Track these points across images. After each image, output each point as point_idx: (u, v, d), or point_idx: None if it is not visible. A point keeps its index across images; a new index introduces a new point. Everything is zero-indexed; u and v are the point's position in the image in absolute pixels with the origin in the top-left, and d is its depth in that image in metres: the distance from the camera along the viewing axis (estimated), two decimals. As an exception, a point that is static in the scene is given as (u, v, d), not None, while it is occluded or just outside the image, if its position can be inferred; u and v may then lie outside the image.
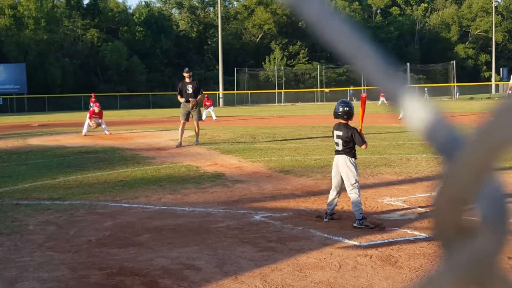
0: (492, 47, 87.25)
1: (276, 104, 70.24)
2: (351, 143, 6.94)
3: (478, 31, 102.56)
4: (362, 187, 7.28)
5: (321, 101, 73.32)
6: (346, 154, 6.94)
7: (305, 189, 9.34)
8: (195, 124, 16.73)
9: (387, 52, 0.54)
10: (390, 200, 8.26)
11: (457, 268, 0.50)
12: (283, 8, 77.69)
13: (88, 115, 22.34)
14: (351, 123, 7.10)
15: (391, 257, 5.54)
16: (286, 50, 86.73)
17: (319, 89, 76.24)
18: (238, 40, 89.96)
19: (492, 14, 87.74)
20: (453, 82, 74.74)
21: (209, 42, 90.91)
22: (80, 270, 5.30)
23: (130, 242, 6.29)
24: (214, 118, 31.27)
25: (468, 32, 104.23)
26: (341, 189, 7.04)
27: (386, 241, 6.13)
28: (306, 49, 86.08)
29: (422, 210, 7.58)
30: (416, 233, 6.42)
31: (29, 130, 26.86)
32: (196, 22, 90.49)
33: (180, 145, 16.34)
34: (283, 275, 5.06)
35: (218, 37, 72.40)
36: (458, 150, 0.48)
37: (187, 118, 16.61)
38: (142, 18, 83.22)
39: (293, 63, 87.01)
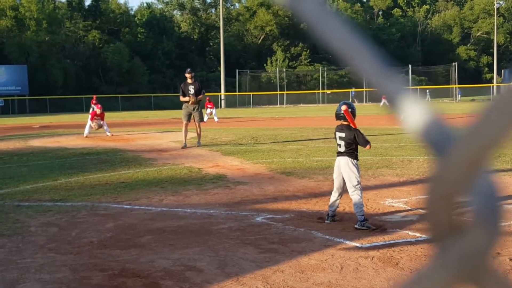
0: (493, 49, 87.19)
1: (278, 105, 70.26)
2: (354, 145, 6.94)
3: (479, 32, 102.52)
4: (363, 188, 7.27)
5: (323, 102, 73.31)
6: (348, 156, 6.94)
7: (307, 190, 9.34)
8: (197, 125, 16.76)
9: (385, 54, 0.54)
10: (392, 202, 8.26)
11: (449, 264, 0.50)
12: (284, 10, 77.70)
13: (89, 116, 22.37)
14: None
15: (393, 258, 5.54)
16: (288, 52, 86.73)
17: (321, 91, 76.21)
18: (240, 41, 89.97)
19: (494, 16, 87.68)
20: (455, 84, 74.76)
21: (211, 44, 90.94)
22: (82, 272, 5.31)
23: (131, 243, 6.29)
24: (216, 119, 31.29)
25: (470, 33, 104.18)
26: (343, 190, 7.04)
27: (387, 242, 6.13)
28: (308, 50, 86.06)
29: (423, 211, 7.57)
30: (418, 234, 6.42)
31: (30, 131, 26.89)
32: (198, 24, 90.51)
33: (185, 146, 16.38)
34: (285, 277, 5.06)
35: (220, 38, 72.43)
36: (450, 147, 0.48)
37: (189, 119, 16.63)
38: (143, 19, 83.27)
39: (295, 65, 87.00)
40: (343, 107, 6.93)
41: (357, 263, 5.40)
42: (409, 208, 7.85)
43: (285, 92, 74.36)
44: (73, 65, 72.71)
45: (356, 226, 6.74)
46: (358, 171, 6.98)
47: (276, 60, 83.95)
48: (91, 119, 21.90)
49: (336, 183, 7.06)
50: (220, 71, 72.01)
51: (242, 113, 48.09)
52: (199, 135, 17.03)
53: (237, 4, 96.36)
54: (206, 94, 21.26)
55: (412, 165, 11.78)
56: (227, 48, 74.52)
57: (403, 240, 6.21)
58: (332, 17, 0.54)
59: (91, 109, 25.61)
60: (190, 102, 16.34)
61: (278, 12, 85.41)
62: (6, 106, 62.34)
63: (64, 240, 6.49)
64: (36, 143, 19.78)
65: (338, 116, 7.09)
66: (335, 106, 7.46)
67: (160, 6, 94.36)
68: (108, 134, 21.70)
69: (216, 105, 41.73)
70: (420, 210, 7.64)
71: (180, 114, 17.17)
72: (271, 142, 17.77)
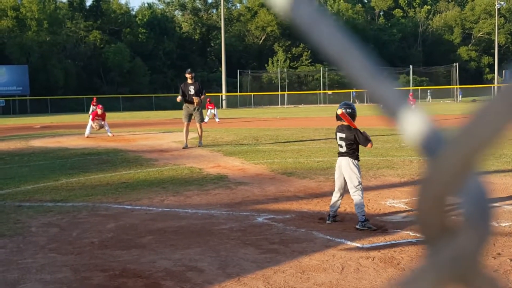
0: (494, 49, 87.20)
1: (279, 106, 70.27)
2: (355, 145, 6.95)
3: (480, 33, 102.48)
4: (364, 189, 7.28)
5: (324, 103, 73.30)
6: (349, 156, 6.95)
7: (308, 191, 9.34)
8: (198, 126, 16.77)
9: (381, 56, 0.55)
10: (393, 202, 8.26)
11: (441, 265, 0.51)
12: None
13: (90, 117, 22.39)
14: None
15: (394, 259, 5.55)
16: (289, 52, 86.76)
17: (322, 91, 76.21)
18: (241, 42, 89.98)
19: (495, 17, 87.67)
20: (456, 84, 74.76)
21: (212, 44, 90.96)
22: (83, 272, 5.31)
23: (132, 244, 6.30)
24: (217, 120, 31.31)
25: (471, 34, 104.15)
26: (344, 191, 7.04)
27: (388, 243, 6.13)
28: (309, 51, 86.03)
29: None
30: (419, 235, 6.41)
31: (31, 131, 26.91)
32: (199, 24, 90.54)
33: (186, 147, 16.39)
34: (286, 277, 5.07)
35: (221, 39, 72.47)
36: (441, 149, 0.49)
37: (189, 120, 16.64)
38: (145, 19, 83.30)
39: (296, 65, 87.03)
40: (339, 111, 6.97)
41: (358, 264, 5.40)
42: (410, 208, 7.84)
43: (286, 93, 74.39)
44: (74, 65, 72.78)
45: (357, 226, 6.75)
46: (359, 171, 6.99)
47: (277, 60, 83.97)
48: (92, 120, 21.92)
49: (338, 184, 7.06)
50: (221, 72, 72.05)
51: (243, 113, 48.10)
52: (200, 136, 17.03)
53: (238, 5, 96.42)
54: (207, 94, 21.25)
55: (413, 166, 11.78)
56: (228, 48, 74.56)
57: (404, 241, 6.21)
58: (325, 21, 0.55)
59: (91, 110, 25.65)
60: (195, 103, 16.35)
61: (279, 13, 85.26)
62: (7, 106, 62.43)
63: (65, 241, 6.50)
64: (37, 143, 19.79)
65: (338, 117, 7.11)
66: (336, 106, 7.47)
67: (161, 7, 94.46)
68: (109, 134, 21.71)
69: (217, 105, 41.72)
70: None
71: (181, 114, 17.18)
72: (272, 143, 17.77)
